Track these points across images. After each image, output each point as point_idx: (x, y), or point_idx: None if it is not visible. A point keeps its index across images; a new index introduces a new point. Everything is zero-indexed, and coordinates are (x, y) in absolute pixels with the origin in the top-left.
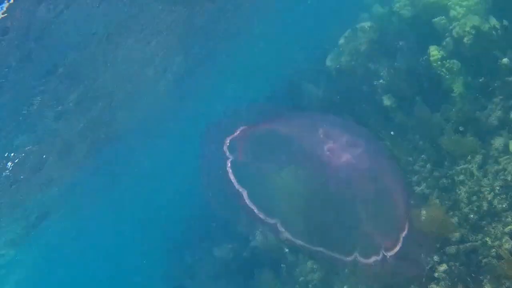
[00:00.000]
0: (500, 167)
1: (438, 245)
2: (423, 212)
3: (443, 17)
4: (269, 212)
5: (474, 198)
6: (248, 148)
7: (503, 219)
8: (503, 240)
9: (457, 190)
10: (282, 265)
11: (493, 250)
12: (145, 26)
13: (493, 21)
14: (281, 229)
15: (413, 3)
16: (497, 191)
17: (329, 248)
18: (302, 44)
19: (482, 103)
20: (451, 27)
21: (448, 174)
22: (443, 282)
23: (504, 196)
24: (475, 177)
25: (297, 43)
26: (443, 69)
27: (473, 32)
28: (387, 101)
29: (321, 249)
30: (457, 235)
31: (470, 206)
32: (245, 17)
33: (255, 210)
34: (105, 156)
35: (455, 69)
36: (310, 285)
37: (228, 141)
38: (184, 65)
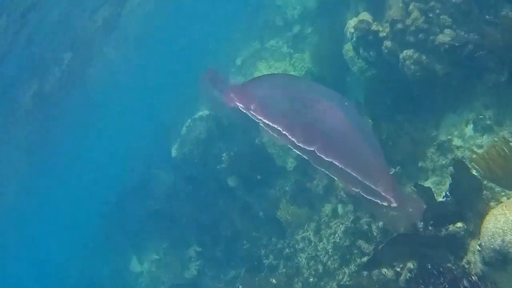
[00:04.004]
0: (332, 230)
1: None
2: (273, 281)
3: None
4: None
5: (312, 262)
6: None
7: (336, 277)
8: None
9: (298, 258)
10: None
11: None
12: None
13: None
14: None
15: None
16: (330, 253)
17: None
18: (150, 135)
19: (310, 174)
20: None
21: (290, 244)
22: None
23: (336, 256)
24: (312, 243)
25: (147, 135)
26: (276, 147)
27: None
28: (231, 183)
29: None
30: None
31: (309, 270)
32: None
33: None
34: None
35: (286, 146)
36: None
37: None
38: None
